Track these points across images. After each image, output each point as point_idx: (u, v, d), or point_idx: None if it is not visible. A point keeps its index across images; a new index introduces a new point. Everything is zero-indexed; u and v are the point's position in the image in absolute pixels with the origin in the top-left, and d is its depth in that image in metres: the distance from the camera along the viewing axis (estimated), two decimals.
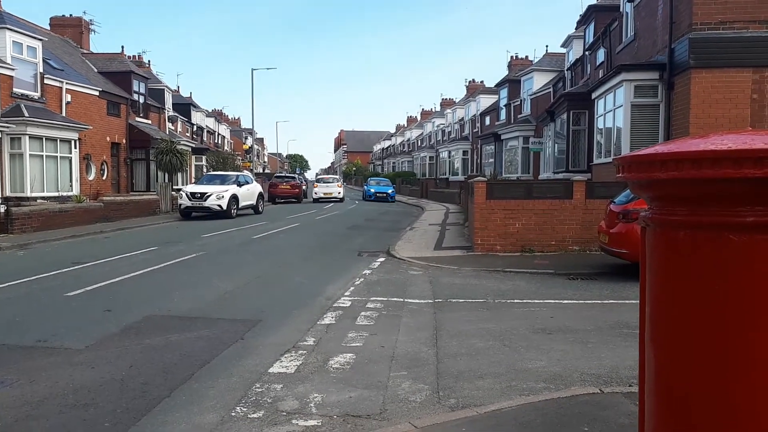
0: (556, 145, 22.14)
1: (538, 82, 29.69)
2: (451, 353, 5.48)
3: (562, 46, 27.10)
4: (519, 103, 32.30)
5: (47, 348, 5.62)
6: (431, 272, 10.28)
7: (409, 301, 7.85)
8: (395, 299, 7.94)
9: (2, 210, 15.71)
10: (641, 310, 2.08)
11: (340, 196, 37.27)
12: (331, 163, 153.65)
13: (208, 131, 51.91)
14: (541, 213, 12.22)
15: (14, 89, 19.87)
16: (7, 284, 8.78)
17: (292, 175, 45.22)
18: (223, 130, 62.51)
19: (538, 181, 20.29)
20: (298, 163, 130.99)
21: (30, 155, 19.57)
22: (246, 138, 68.45)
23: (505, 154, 31.23)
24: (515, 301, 7.85)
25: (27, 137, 19.36)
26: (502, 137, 31.14)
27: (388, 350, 5.58)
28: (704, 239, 1.79)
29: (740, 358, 1.73)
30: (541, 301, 7.83)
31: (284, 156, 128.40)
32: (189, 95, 50.64)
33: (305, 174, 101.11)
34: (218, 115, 62.27)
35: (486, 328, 6.36)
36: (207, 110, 54.07)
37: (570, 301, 7.80)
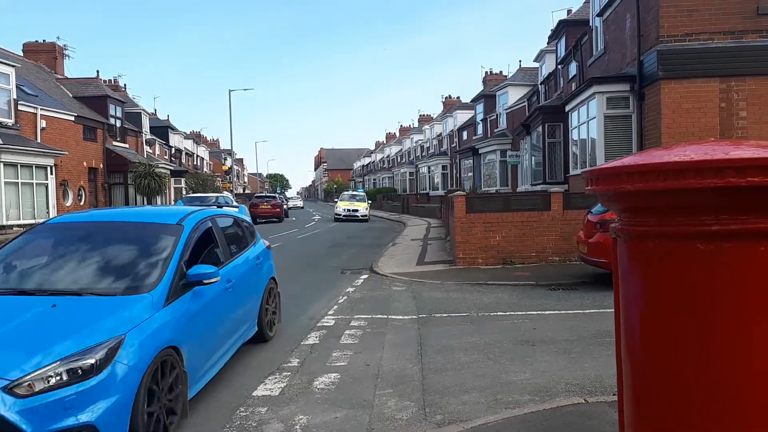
0: (533, 157, 22.40)
1: (512, 96, 30.10)
2: (436, 368, 5.48)
3: (535, 60, 27.55)
4: (495, 117, 32.68)
5: None
6: (414, 287, 10.30)
7: (393, 317, 7.85)
8: (379, 316, 7.94)
9: None
10: (616, 320, 2.13)
11: (301, 205, 65.62)
12: (312, 182, 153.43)
13: (186, 153, 51.60)
14: (520, 225, 12.34)
15: None
16: None
17: (273, 194, 45.07)
18: (202, 151, 62.18)
19: (516, 194, 20.49)
20: (278, 182, 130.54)
21: (5, 182, 19.27)
22: (225, 159, 68.11)
23: (483, 168, 31.50)
24: (498, 313, 7.90)
25: (1, 164, 19.07)
26: (480, 151, 31.42)
27: (373, 368, 5.57)
28: (672, 248, 1.85)
29: (709, 361, 1.78)
30: (524, 312, 7.88)
31: (264, 176, 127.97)
32: (166, 118, 50.37)
33: (286, 193, 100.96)
34: (197, 137, 61.99)
35: (470, 342, 6.38)
36: (185, 132, 53.80)
37: (552, 312, 7.87)
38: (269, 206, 35.43)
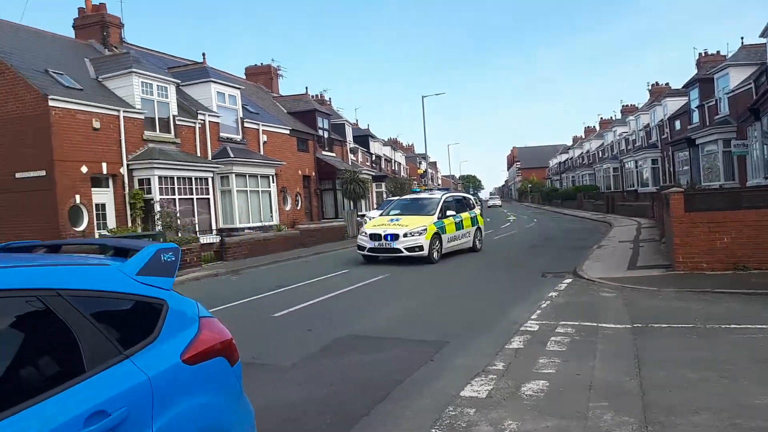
0: (765, 146, 19.43)
1: (734, 78, 26.36)
2: (657, 384, 4.99)
3: (762, 36, 23.79)
4: (714, 103, 28.96)
5: (261, 365, 6.20)
6: (626, 294, 9.53)
7: (603, 325, 7.34)
8: (587, 323, 7.48)
9: (218, 240, 17.95)
10: None
11: (499, 203, 70.73)
12: (505, 181, 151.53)
13: (385, 159, 54.34)
14: (754, 225, 10.72)
15: (221, 134, 22.76)
16: (226, 306, 9.90)
17: (465, 195, 45.36)
18: (399, 156, 64.96)
19: (746, 189, 17.89)
20: (471, 183, 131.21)
21: (237, 191, 22.17)
22: (420, 163, 70.37)
23: (702, 161, 28.14)
24: (731, 326, 6.94)
25: (233, 175, 21.96)
26: (697, 142, 28.12)
27: (584, 378, 5.26)
28: None
29: None
30: (764, 326, 6.82)
31: (457, 177, 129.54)
32: (366, 127, 53.59)
33: (480, 194, 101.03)
34: (393, 144, 64.96)
35: (697, 357, 5.70)
36: (383, 139, 56.72)
37: None
38: None
